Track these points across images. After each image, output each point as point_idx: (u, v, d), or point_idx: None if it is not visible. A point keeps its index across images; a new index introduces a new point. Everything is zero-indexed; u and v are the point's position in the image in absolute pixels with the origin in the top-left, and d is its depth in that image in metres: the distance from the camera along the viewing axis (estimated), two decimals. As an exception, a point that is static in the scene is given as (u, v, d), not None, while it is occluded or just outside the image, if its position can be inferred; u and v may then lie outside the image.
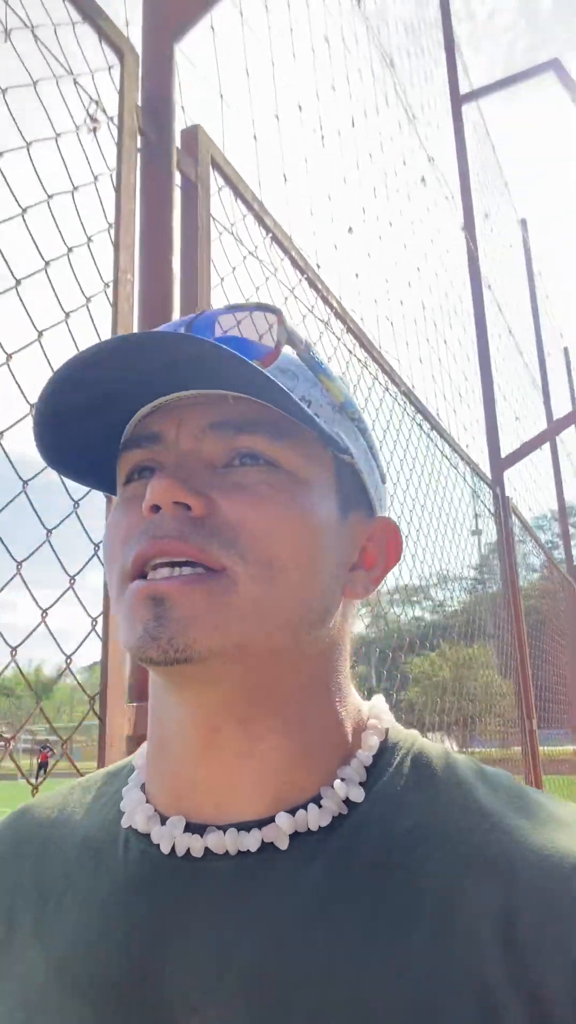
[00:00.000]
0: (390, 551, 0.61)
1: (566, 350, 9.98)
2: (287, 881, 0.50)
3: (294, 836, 0.51)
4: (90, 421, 0.55)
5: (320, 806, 0.52)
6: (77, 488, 1.02)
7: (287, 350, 0.55)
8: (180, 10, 1.37)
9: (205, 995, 0.48)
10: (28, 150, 1.04)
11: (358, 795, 0.53)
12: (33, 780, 1.03)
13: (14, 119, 1.04)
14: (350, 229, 2.30)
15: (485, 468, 3.62)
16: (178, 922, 0.50)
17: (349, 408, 0.59)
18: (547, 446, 6.90)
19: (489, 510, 3.47)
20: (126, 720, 1.10)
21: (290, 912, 0.48)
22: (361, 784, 0.54)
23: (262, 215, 1.59)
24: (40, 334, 1.01)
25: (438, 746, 0.58)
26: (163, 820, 0.55)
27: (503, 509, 3.55)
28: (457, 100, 4.27)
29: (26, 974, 0.55)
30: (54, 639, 1.05)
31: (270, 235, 1.61)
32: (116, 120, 1.22)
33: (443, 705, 2.80)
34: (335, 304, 1.97)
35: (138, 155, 1.25)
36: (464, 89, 4.40)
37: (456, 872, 0.48)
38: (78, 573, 1.09)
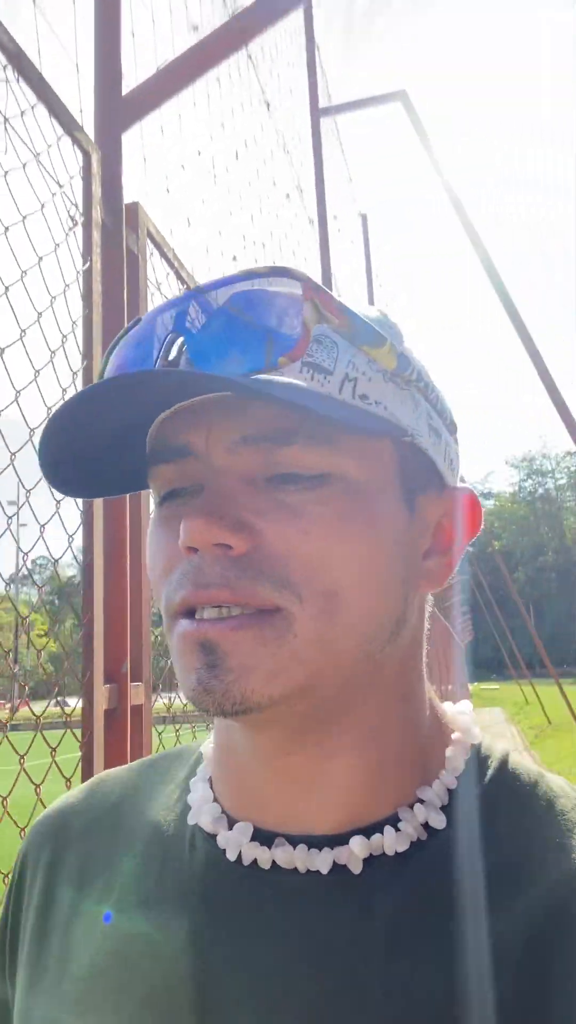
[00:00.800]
0: (468, 523, 0.54)
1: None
2: (359, 909, 0.47)
3: (368, 859, 0.48)
4: (107, 442, 0.50)
5: (397, 829, 0.49)
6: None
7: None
8: (129, 110, 1.68)
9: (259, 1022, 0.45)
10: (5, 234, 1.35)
11: (439, 821, 0.49)
12: None
13: None
14: (234, 258, 2.67)
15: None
16: (240, 937, 0.48)
17: (404, 370, 0.50)
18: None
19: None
20: (104, 697, 1.46)
21: (361, 944, 0.45)
22: (443, 807, 0.50)
23: (180, 270, 1.93)
24: (18, 393, 1.33)
25: (532, 766, 0.54)
26: (231, 822, 0.52)
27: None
28: (316, 114, 4.70)
29: (74, 955, 0.53)
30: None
31: (184, 285, 1.97)
32: (82, 212, 1.54)
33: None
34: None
35: (98, 246, 1.57)
36: (323, 103, 4.85)
37: (549, 920, 0.45)
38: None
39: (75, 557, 1.53)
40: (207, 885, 0.50)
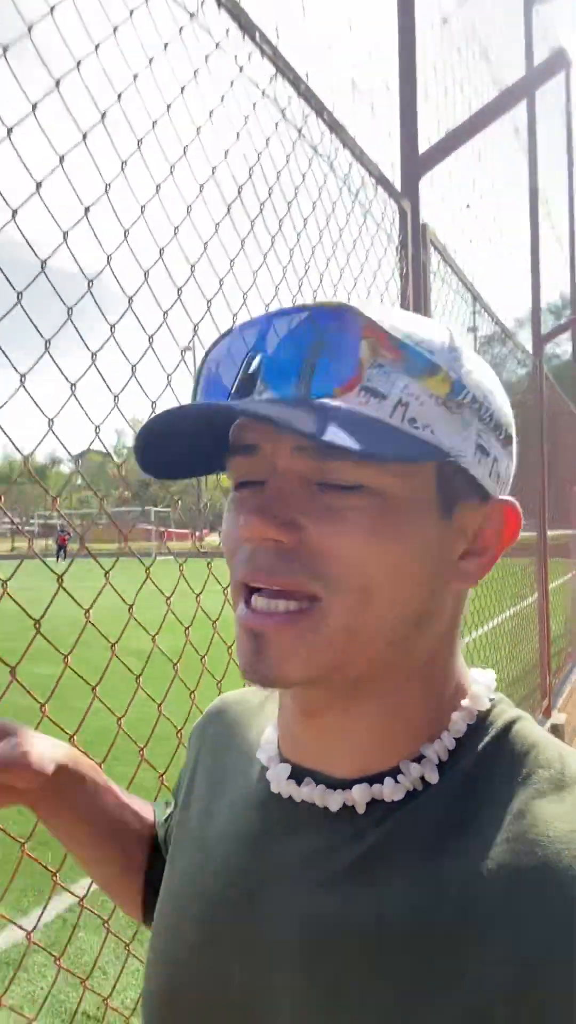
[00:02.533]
0: (505, 531, 0.60)
1: None
2: (352, 839, 0.56)
3: (371, 803, 0.57)
4: (188, 437, 0.58)
5: (397, 781, 0.57)
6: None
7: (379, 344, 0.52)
8: (425, 163, 2.45)
9: (279, 929, 0.57)
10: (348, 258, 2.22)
11: (433, 776, 0.56)
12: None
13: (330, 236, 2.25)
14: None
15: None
16: (273, 844, 0.61)
17: (456, 395, 0.55)
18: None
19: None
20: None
21: (344, 862, 0.56)
22: (441, 765, 0.57)
23: (452, 265, 2.74)
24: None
25: (534, 736, 0.58)
26: (279, 761, 0.63)
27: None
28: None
29: (199, 821, 0.70)
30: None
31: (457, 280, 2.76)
32: (400, 244, 2.40)
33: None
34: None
35: (410, 264, 2.42)
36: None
37: (484, 872, 0.50)
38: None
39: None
40: (260, 807, 0.63)
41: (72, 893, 1.37)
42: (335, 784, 0.59)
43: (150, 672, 1.33)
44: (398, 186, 2.44)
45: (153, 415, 0.56)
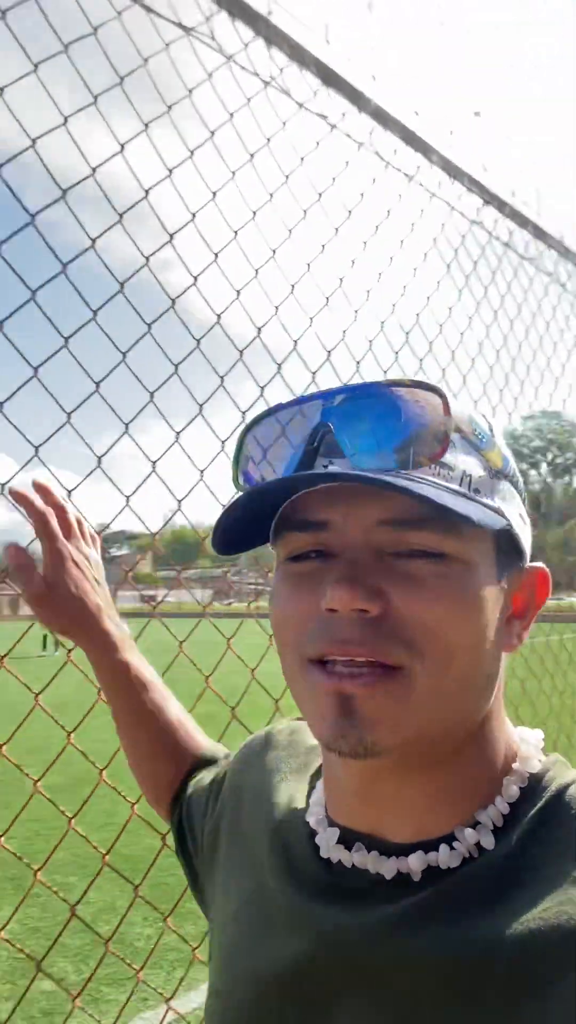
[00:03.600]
0: (538, 593, 0.62)
1: None
2: (408, 904, 0.55)
3: (425, 869, 0.57)
4: (250, 512, 0.59)
5: (452, 848, 0.57)
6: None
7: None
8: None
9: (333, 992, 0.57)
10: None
11: (489, 842, 0.56)
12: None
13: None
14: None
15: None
16: (321, 911, 0.59)
17: (505, 468, 0.60)
18: None
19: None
20: None
21: (403, 924, 0.55)
22: (496, 830, 0.57)
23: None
24: None
25: None
26: (328, 824, 0.63)
27: None
28: None
29: (241, 864, 0.72)
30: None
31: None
32: None
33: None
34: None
35: None
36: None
37: (534, 944, 0.50)
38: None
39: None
40: (307, 871, 0.63)
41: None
42: (388, 850, 0.59)
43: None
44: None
45: (241, 494, 0.58)
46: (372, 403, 0.57)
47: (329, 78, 1.77)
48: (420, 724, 0.54)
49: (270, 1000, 0.61)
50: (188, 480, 1.40)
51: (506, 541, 0.59)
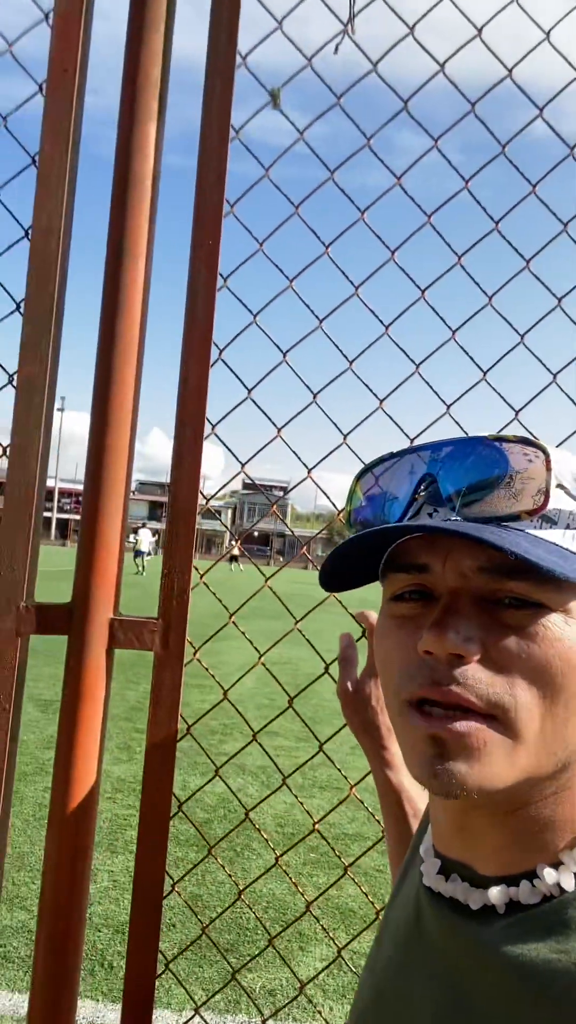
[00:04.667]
0: None
1: None
2: (490, 941, 0.58)
3: (508, 902, 0.59)
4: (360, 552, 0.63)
5: (533, 885, 0.58)
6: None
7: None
8: None
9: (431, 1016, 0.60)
10: None
11: (569, 883, 0.57)
12: None
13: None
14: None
15: None
16: (420, 942, 0.64)
17: None
18: None
19: None
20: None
21: (475, 960, 0.58)
22: None
23: None
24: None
25: None
26: (433, 854, 0.67)
27: None
28: None
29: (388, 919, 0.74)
30: None
31: None
32: None
33: None
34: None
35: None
36: None
37: None
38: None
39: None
40: (417, 897, 0.68)
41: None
42: (477, 881, 0.62)
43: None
44: None
45: (351, 538, 0.62)
46: (477, 458, 0.60)
47: None
48: (511, 770, 0.56)
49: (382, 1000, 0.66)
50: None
51: None
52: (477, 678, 0.55)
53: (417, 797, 0.95)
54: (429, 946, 0.63)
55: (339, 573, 0.66)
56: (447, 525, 0.56)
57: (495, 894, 0.59)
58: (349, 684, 0.99)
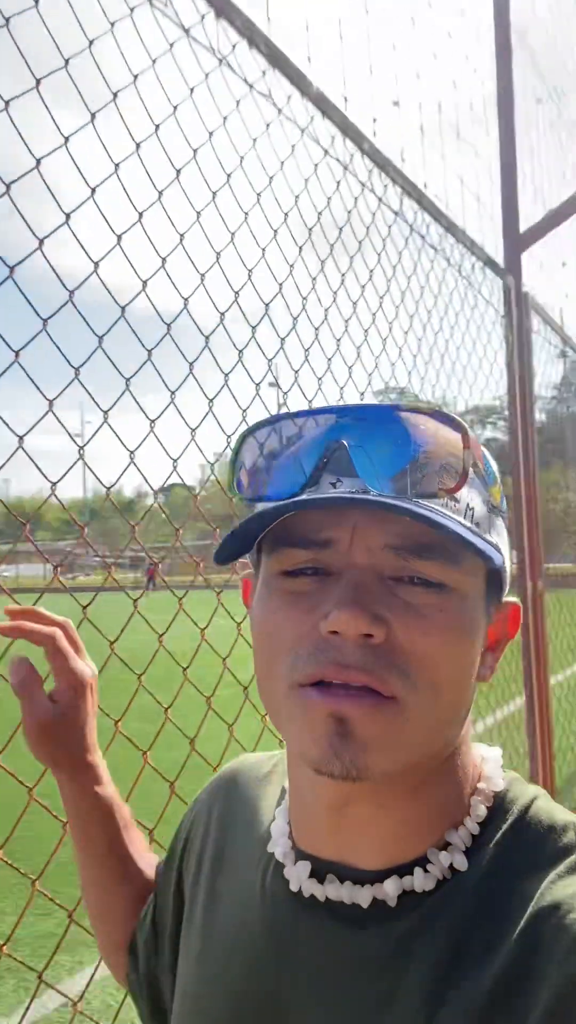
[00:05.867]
0: (510, 626, 0.64)
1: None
2: (386, 933, 0.56)
3: (401, 894, 0.57)
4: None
5: (426, 871, 0.57)
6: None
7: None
8: (524, 241, 2.81)
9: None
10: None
11: (461, 863, 0.57)
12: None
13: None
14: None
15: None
16: (293, 954, 0.59)
17: (503, 505, 0.61)
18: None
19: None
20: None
21: (381, 961, 0.55)
22: (467, 851, 0.58)
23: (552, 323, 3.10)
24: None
25: (551, 817, 0.59)
26: (298, 855, 0.62)
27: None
28: None
29: (201, 922, 0.69)
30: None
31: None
32: (504, 314, 2.77)
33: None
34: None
35: (515, 332, 2.79)
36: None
37: (524, 952, 0.51)
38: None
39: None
40: (276, 908, 0.63)
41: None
42: (361, 878, 0.59)
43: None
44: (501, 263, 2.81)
45: (260, 512, 0.56)
46: (392, 427, 0.56)
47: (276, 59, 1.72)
48: (410, 752, 0.54)
49: None
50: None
51: (494, 575, 0.60)
52: (382, 660, 0.53)
53: (122, 804, 0.88)
54: (305, 961, 0.59)
55: (224, 546, 0.60)
56: (376, 498, 0.53)
57: (389, 886, 0.57)
58: (41, 712, 0.80)
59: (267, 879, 0.64)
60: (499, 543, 0.60)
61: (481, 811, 0.60)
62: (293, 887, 0.61)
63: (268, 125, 1.82)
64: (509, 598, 0.64)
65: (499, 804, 0.61)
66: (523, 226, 2.83)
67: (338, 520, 0.55)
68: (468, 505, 0.57)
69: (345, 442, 0.55)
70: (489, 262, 2.67)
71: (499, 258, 2.78)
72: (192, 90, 1.54)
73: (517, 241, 2.82)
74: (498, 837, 0.59)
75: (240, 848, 0.70)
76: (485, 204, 2.82)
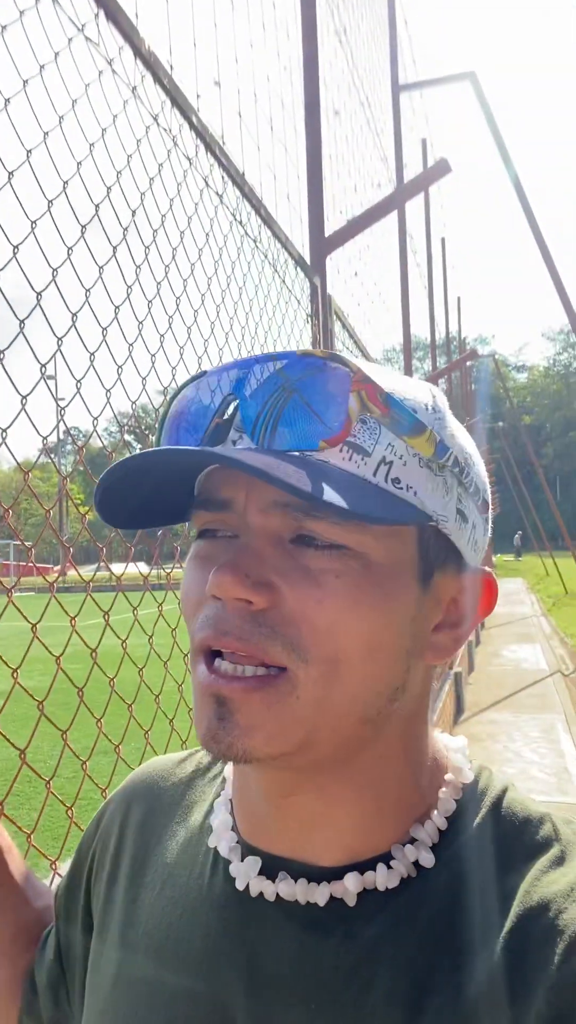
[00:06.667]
0: (483, 602, 0.56)
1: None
2: (346, 939, 0.51)
3: (362, 892, 0.52)
4: (152, 484, 0.54)
5: (390, 867, 0.52)
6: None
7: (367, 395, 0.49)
8: (330, 244, 2.87)
9: None
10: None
11: (428, 860, 0.53)
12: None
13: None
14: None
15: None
16: (242, 959, 0.53)
17: (440, 456, 0.52)
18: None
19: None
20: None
21: (344, 968, 0.50)
22: (434, 847, 0.54)
23: (351, 330, 3.19)
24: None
25: (524, 808, 0.56)
26: (245, 850, 0.57)
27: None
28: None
29: (121, 930, 0.61)
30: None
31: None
32: (310, 314, 2.80)
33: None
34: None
35: (321, 331, 2.83)
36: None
37: (513, 954, 0.47)
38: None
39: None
40: (220, 908, 0.56)
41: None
42: (317, 875, 0.54)
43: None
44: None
45: (118, 461, 0.51)
46: (276, 377, 0.51)
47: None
48: (301, 736, 0.50)
49: None
50: None
51: (434, 538, 0.53)
52: (267, 628, 0.49)
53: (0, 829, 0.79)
54: (258, 969, 0.54)
55: (135, 507, 0.56)
56: (226, 452, 0.47)
57: (349, 882, 0.53)
58: None
59: (208, 878, 0.59)
60: (429, 501, 0.52)
61: (449, 804, 0.56)
62: (239, 885, 0.56)
63: (100, 73, 1.65)
64: (481, 568, 0.57)
65: (469, 796, 0.57)
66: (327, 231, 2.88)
67: (235, 479, 0.52)
68: (384, 459, 0.50)
69: (239, 396, 0.52)
70: (300, 260, 2.70)
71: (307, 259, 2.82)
72: (4, 28, 1.33)
73: (323, 243, 2.84)
74: (471, 831, 0.55)
75: (171, 850, 0.63)
76: (295, 205, 2.85)
